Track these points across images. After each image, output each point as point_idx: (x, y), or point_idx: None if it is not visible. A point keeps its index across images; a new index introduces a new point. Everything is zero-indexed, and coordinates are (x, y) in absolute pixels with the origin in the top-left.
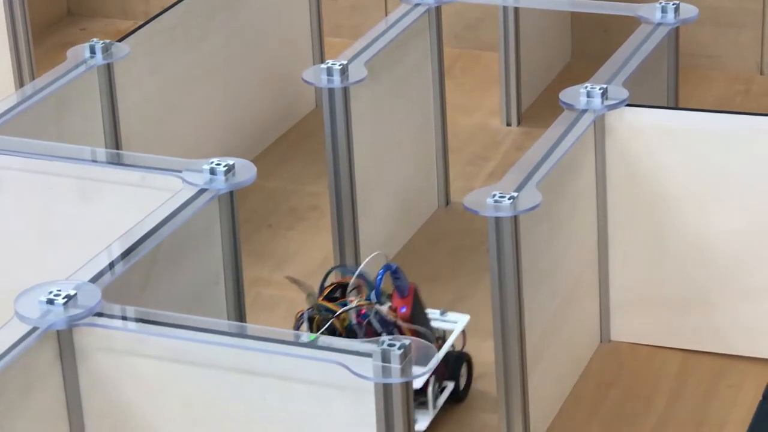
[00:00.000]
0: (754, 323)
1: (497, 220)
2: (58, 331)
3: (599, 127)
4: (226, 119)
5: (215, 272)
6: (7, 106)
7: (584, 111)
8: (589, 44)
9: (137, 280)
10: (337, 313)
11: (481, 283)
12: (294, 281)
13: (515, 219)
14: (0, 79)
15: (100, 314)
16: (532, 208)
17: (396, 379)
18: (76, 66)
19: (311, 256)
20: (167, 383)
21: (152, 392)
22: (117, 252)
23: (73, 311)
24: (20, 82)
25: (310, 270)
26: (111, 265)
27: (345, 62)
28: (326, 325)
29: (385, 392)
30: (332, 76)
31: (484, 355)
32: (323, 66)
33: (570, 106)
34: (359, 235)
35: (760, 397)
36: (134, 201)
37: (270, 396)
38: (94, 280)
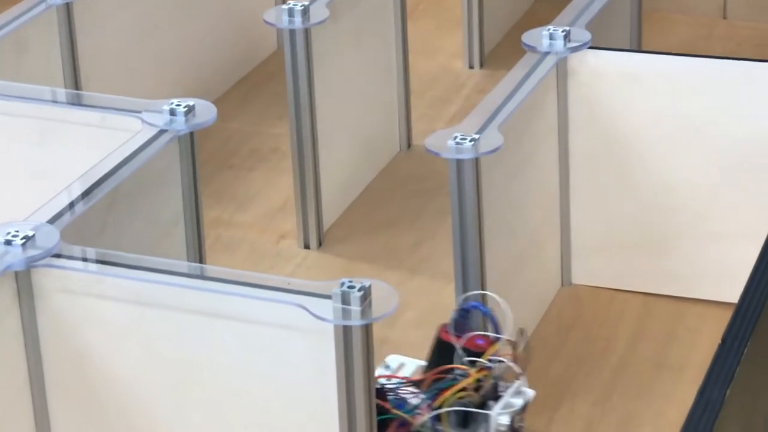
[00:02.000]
0: (715, 267)
1: (458, 162)
2: (15, 273)
3: (561, 69)
4: (186, 60)
5: (175, 214)
6: None
7: (546, 53)
8: None
9: (96, 221)
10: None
11: (443, 225)
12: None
13: (476, 161)
14: None
15: (58, 255)
16: (493, 151)
17: (356, 322)
18: (35, 5)
19: (272, 197)
20: (127, 325)
21: (111, 334)
22: (76, 193)
23: (31, 252)
24: None
25: (271, 211)
26: (70, 206)
27: (306, 3)
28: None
29: (345, 335)
30: (293, 17)
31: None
32: (284, 7)
33: (532, 49)
34: (320, 177)
35: (719, 341)
36: (93, 142)
37: (229, 338)
38: (52, 221)
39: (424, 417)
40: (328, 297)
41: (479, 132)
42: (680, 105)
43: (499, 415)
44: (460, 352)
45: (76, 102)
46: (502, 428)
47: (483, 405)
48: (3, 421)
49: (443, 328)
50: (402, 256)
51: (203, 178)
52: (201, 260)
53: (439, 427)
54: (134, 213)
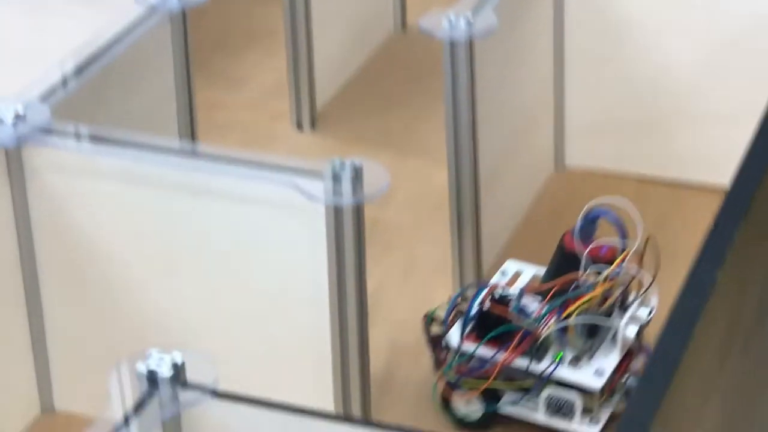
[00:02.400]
0: (709, 150)
1: (452, 42)
2: (6, 150)
3: None
4: None
5: (167, 94)
6: None
7: None
8: None
9: (88, 99)
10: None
11: (437, 107)
12: None
13: (470, 42)
14: None
15: (49, 132)
16: (488, 31)
17: (347, 201)
18: None
19: (266, 78)
20: (117, 203)
21: (102, 212)
22: (67, 70)
23: (22, 129)
24: None
25: (265, 92)
26: (61, 84)
27: None
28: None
29: (336, 214)
30: None
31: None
32: None
33: None
34: (314, 57)
35: (711, 225)
36: (85, 19)
37: (220, 217)
38: (43, 98)
39: (551, 328)
40: (320, 176)
41: (474, 13)
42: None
43: (626, 326)
44: (585, 261)
45: None
46: (629, 340)
47: (610, 316)
48: None
49: (567, 234)
50: (395, 137)
51: (196, 58)
52: (194, 140)
53: (566, 338)
54: (126, 92)
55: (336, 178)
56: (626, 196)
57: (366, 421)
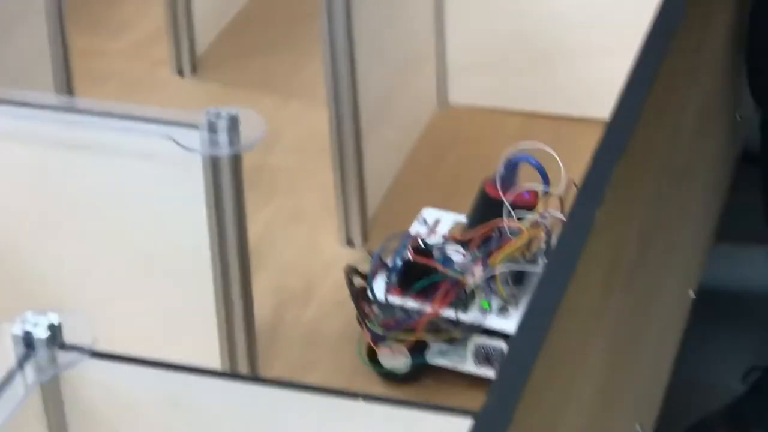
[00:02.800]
0: (592, 84)
1: None
2: None
3: None
4: None
5: (40, 43)
6: None
7: None
8: None
9: None
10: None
11: (319, 50)
12: None
13: None
14: None
15: None
16: None
17: (224, 151)
18: None
19: (144, 25)
20: None
21: None
22: None
23: None
24: None
25: (144, 38)
26: None
27: None
28: None
29: (213, 164)
30: None
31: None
32: None
33: None
34: (192, 2)
35: (589, 163)
36: None
37: (96, 171)
38: None
39: (477, 277)
40: (196, 127)
41: None
42: None
43: None
44: (508, 207)
45: None
46: None
47: (534, 262)
48: None
49: (488, 181)
50: (279, 81)
51: (70, 5)
52: (70, 92)
53: (493, 287)
54: None
55: (212, 128)
56: (510, 131)
57: (250, 377)
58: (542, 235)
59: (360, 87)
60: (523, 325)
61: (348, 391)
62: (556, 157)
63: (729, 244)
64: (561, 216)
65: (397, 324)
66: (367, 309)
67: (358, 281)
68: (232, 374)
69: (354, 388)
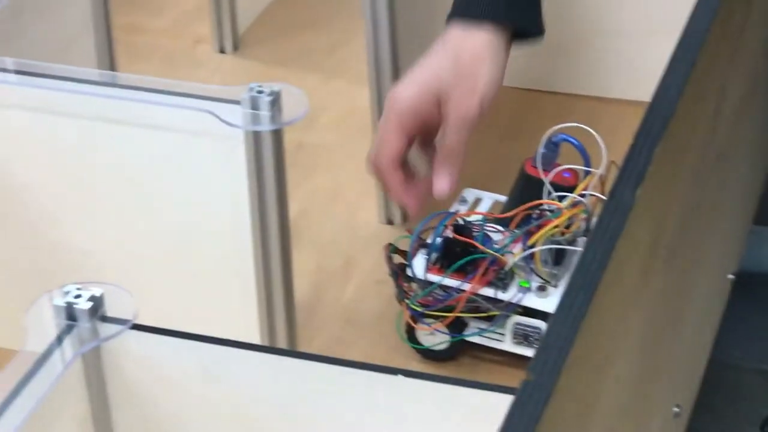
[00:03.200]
0: (633, 65)
1: None
2: None
3: None
4: None
5: (84, 20)
6: None
7: None
8: None
9: (7, 30)
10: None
11: (359, 29)
12: None
13: None
14: None
15: None
16: None
17: (265, 127)
18: None
19: (186, 2)
20: (36, 137)
21: (20, 147)
22: None
23: None
24: None
25: (185, 15)
26: None
27: None
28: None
29: (254, 140)
30: None
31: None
32: None
33: None
34: None
35: (631, 144)
36: None
37: (139, 146)
38: None
39: (517, 256)
40: (238, 102)
41: None
42: None
43: None
44: (548, 186)
45: None
46: None
47: (574, 242)
48: None
49: (528, 161)
50: (319, 58)
51: None
52: (112, 68)
53: (532, 266)
54: (40, 20)
55: (254, 104)
56: (551, 113)
57: (289, 351)
58: (582, 214)
59: (401, 65)
60: (563, 303)
61: (387, 367)
62: (597, 137)
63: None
64: (601, 196)
65: (436, 302)
66: (406, 287)
67: (397, 259)
68: (269, 347)
69: (392, 365)
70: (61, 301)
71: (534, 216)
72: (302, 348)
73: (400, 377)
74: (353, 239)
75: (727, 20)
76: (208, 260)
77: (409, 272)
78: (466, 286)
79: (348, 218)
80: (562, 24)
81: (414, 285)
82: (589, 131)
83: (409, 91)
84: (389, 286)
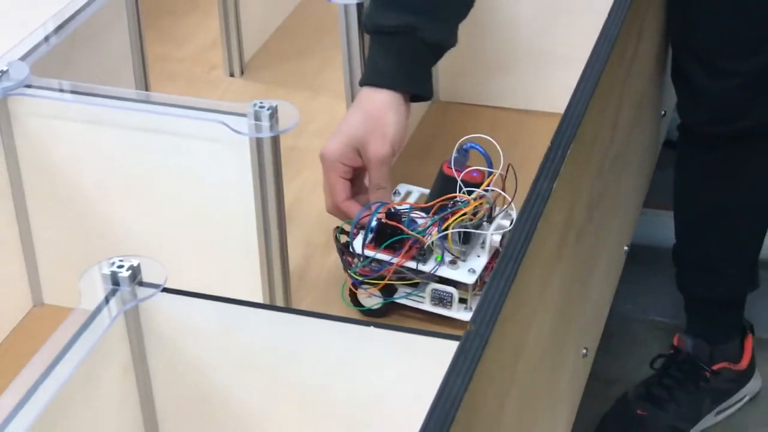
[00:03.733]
0: (550, 85)
1: (345, 7)
2: None
3: None
4: None
5: (124, 51)
6: None
7: None
8: None
9: (59, 58)
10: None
11: (339, 57)
12: None
13: (358, 6)
14: None
15: (29, 86)
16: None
17: (266, 134)
18: None
19: (204, 36)
20: (87, 142)
21: (75, 150)
22: (41, 35)
23: (6, 83)
24: None
25: (203, 47)
26: (38, 46)
27: None
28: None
29: (257, 144)
30: None
31: (341, 112)
32: None
33: None
34: (241, 18)
35: (549, 146)
36: None
37: (168, 150)
38: (23, 57)
39: (434, 236)
40: (244, 115)
41: None
42: None
43: (492, 234)
44: (460, 184)
45: None
46: (495, 244)
47: (479, 226)
48: None
49: (445, 163)
50: (307, 80)
51: (147, 21)
52: (146, 89)
53: (446, 245)
54: (90, 51)
55: (257, 116)
56: (488, 128)
57: (286, 308)
58: (485, 205)
59: None
60: (497, 270)
61: (362, 321)
62: (497, 145)
63: (653, 209)
64: (500, 191)
65: (371, 272)
66: (349, 260)
67: (343, 239)
68: (270, 305)
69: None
70: (107, 270)
71: (449, 206)
72: (295, 306)
73: (371, 328)
74: (333, 220)
75: (623, 50)
76: (222, 238)
77: (351, 249)
78: (395, 260)
79: None
80: (495, 52)
81: (355, 259)
82: (491, 140)
83: (334, 146)
84: None
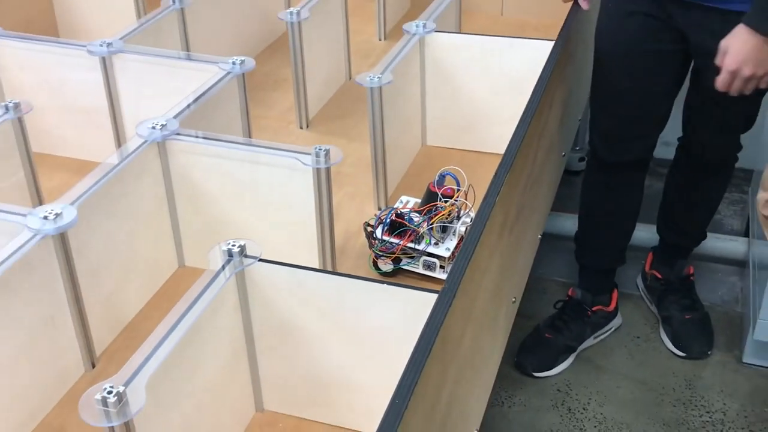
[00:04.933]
0: (500, 135)
1: (371, 88)
2: (158, 143)
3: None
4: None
5: (237, 113)
6: (131, 28)
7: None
8: None
9: (197, 117)
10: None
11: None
12: None
13: (380, 88)
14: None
15: (178, 134)
16: (388, 83)
17: (322, 166)
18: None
19: (283, 103)
20: (213, 169)
21: (206, 173)
22: (185, 103)
23: (165, 132)
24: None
25: (284, 112)
26: (182, 110)
27: None
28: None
29: (317, 172)
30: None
31: (368, 152)
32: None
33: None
34: (307, 93)
35: (494, 173)
36: (193, 77)
37: (264, 175)
38: (175, 116)
39: (424, 228)
40: (309, 154)
41: (381, 72)
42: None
43: (459, 226)
44: (440, 196)
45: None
46: (461, 233)
47: (452, 222)
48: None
49: (431, 184)
50: (348, 131)
51: (250, 94)
52: (249, 136)
53: (431, 233)
54: (216, 112)
55: (317, 155)
56: (457, 162)
57: (333, 272)
58: (455, 209)
59: (386, 138)
60: (462, 251)
61: (380, 280)
62: (463, 173)
63: (556, 211)
64: (465, 201)
65: (386, 250)
66: (373, 242)
67: (369, 229)
68: (324, 270)
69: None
70: (225, 247)
71: (433, 209)
72: (339, 270)
73: (385, 285)
74: (362, 217)
75: (540, 114)
76: (295, 227)
77: (374, 236)
78: (401, 242)
79: (360, 208)
80: (462, 117)
81: (376, 241)
82: (459, 170)
83: None
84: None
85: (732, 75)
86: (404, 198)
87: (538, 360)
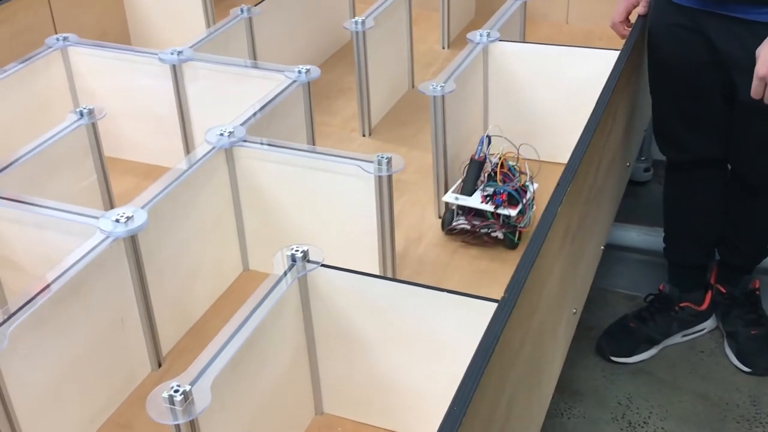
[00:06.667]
0: (563, 146)
1: (434, 96)
2: (226, 149)
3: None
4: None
5: (302, 121)
6: (201, 37)
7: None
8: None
9: (263, 125)
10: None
11: (428, 125)
12: None
13: (442, 96)
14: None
15: (245, 141)
16: (450, 91)
17: (384, 173)
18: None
19: (347, 111)
20: (278, 175)
21: (271, 179)
22: (252, 111)
23: (233, 139)
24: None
25: (348, 119)
26: (249, 118)
27: None
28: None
29: (379, 179)
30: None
31: (429, 159)
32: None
33: (471, 40)
34: (371, 101)
35: (558, 181)
36: (261, 86)
37: (327, 181)
38: (242, 124)
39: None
40: (371, 161)
41: (444, 81)
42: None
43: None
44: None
45: (255, 66)
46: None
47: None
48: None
49: (473, 155)
50: (409, 139)
51: (314, 102)
52: (314, 143)
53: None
54: (282, 119)
55: (379, 162)
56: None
57: (394, 278)
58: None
59: (447, 147)
60: (524, 258)
61: (438, 287)
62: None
63: (619, 222)
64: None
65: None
66: (447, 225)
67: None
68: (384, 276)
69: (439, 285)
70: (288, 252)
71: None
72: (399, 276)
73: (445, 293)
74: (422, 224)
75: (604, 126)
76: (356, 234)
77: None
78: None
79: (420, 215)
80: (528, 123)
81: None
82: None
83: None
84: (434, 247)
85: (763, 81)
86: (449, 196)
87: (618, 345)
